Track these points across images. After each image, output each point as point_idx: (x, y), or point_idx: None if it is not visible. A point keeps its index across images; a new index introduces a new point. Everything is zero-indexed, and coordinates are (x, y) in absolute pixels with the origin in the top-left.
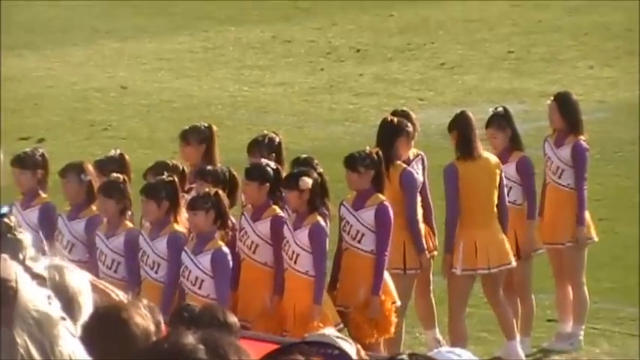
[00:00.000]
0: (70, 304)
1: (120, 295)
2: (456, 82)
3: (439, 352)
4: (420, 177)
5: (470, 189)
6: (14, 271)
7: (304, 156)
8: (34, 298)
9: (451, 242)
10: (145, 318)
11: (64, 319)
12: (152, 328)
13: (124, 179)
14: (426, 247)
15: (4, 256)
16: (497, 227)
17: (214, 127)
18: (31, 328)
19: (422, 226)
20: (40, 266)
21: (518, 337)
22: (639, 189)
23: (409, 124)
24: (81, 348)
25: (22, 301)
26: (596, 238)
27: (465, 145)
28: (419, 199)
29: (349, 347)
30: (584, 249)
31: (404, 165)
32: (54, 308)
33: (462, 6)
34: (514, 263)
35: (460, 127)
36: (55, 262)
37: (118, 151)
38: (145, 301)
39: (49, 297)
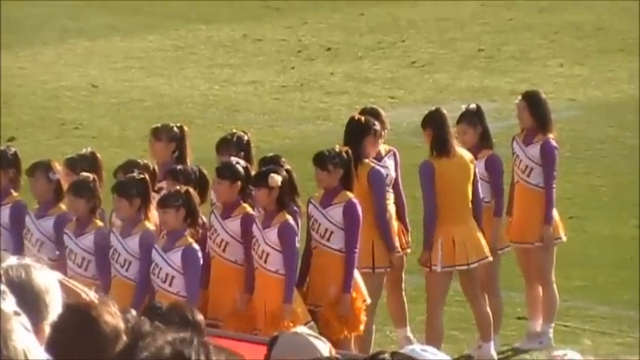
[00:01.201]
0: (36, 303)
1: (90, 295)
2: (426, 80)
3: (413, 350)
4: (392, 173)
5: (446, 186)
6: None
7: (271, 154)
8: None
9: (430, 239)
10: (115, 316)
11: (18, 314)
12: (122, 325)
13: (93, 178)
14: (398, 244)
15: None
16: (473, 223)
17: (186, 128)
18: None
19: (395, 223)
20: None
21: (493, 339)
22: (609, 188)
23: (376, 123)
24: (36, 343)
25: None
26: (564, 238)
27: (440, 144)
28: (391, 195)
29: (322, 345)
30: (552, 248)
31: (372, 163)
32: (7, 303)
33: (432, 5)
34: (491, 257)
35: (434, 125)
36: (23, 261)
37: (90, 150)
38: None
39: (3, 292)
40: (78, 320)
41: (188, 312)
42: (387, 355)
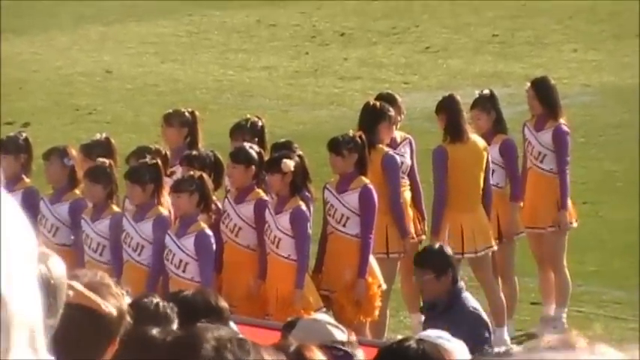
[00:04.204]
0: (57, 291)
1: (103, 306)
2: (440, 66)
3: (428, 336)
4: (407, 160)
5: (458, 172)
6: None
7: (282, 140)
8: None
9: (438, 224)
10: (118, 297)
11: None
12: (125, 306)
13: (110, 164)
14: (413, 230)
15: None
16: (482, 210)
17: (197, 113)
18: None
19: (410, 210)
20: None
21: (506, 324)
22: (623, 173)
23: (391, 109)
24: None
25: None
26: (575, 224)
27: (453, 129)
28: (407, 182)
29: (341, 334)
30: (564, 234)
31: (386, 149)
32: None
33: None
34: (495, 246)
35: (448, 110)
36: (40, 249)
37: (104, 135)
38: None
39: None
40: (82, 307)
41: (212, 298)
42: (412, 342)
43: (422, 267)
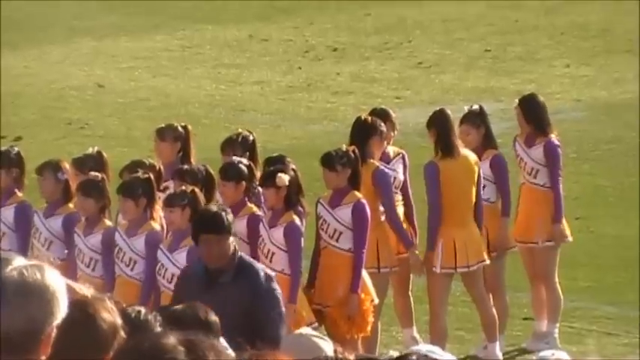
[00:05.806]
0: (51, 302)
1: (85, 291)
2: (433, 81)
3: (420, 351)
4: (400, 176)
5: (450, 187)
6: None
7: (275, 155)
8: None
9: (433, 239)
10: (112, 312)
11: None
12: (119, 321)
13: (102, 178)
14: (413, 242)
15: None
16: (474, 225)
17: (190, 127)
18: None
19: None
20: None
21: (498, 339)
22: (615, 188)
23: (382, 124)
24: None
25: None
26: (570, 238)
27: (444, 144)
28: (400, 197)
29: (327, 345)
30: (557, 248)
31: (376, 164)
32: None
33: (438, 5)
34: (487, 260)
35: (438, 125)
36: (33, 261)
37: (96, 149)
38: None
39: None
40: (75, 318)
41: (202, 313)
42: (414, 357)
43: (222, 232)
